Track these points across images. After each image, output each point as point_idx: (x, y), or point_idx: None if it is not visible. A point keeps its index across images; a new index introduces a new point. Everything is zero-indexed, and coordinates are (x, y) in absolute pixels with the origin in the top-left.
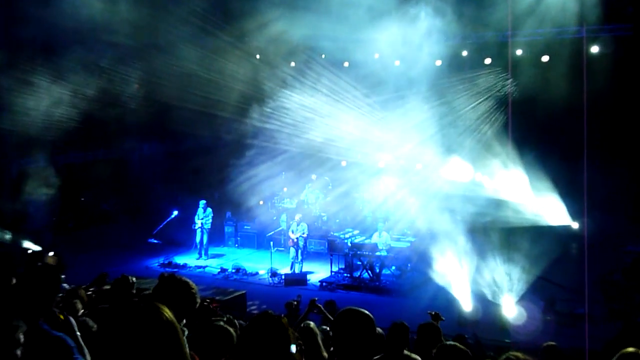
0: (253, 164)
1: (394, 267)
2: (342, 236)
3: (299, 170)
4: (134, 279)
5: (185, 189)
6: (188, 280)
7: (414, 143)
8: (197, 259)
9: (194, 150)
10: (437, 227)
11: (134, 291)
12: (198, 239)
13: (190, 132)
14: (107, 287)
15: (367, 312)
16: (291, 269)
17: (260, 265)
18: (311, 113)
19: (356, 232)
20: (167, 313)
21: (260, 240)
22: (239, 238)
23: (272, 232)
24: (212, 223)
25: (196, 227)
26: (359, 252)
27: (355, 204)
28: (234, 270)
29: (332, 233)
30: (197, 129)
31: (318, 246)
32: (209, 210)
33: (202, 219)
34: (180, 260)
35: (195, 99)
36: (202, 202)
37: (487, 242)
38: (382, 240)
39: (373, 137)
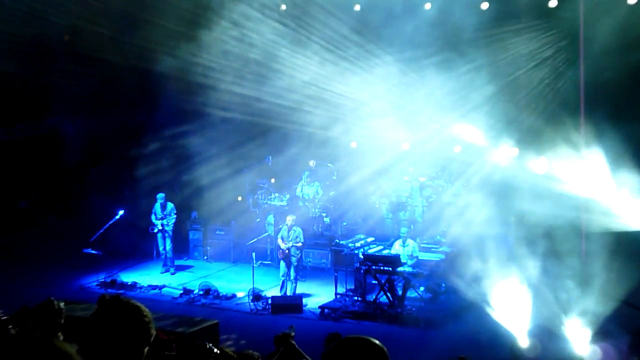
0: (227, 145)
1: (422, 288)
2: (351, 245)
3: (291, 155)
4: (62, 304)
5: (134, 180)
6: (139, 304)
7: (451, 118)
8: (162, 272)
9: (146, 127)
10: (482, 233)
11: (62, 321)
12: (161, 247)
13: (140, 101)
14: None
15: (377, 342)
16: (281, 290)
17: (238, 285)
18: (307, 75)
19: (371, 239)
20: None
21: (239, 251)
22: (208, 248)
23: (255, 240)
24: (174, 225)
25: (155, 230)
26: (374, 267)
27: (369, 202)
28: (201, 292)
29: (337, 241)
30: (148, 96)
31: (318, 259)
32: (171, 206)
33: (161, 218)
34: (128, 277)
35: (147, 55)
36: (161, 196)
37: (552, 253)
38: (406, 251)
39: (394, 110)
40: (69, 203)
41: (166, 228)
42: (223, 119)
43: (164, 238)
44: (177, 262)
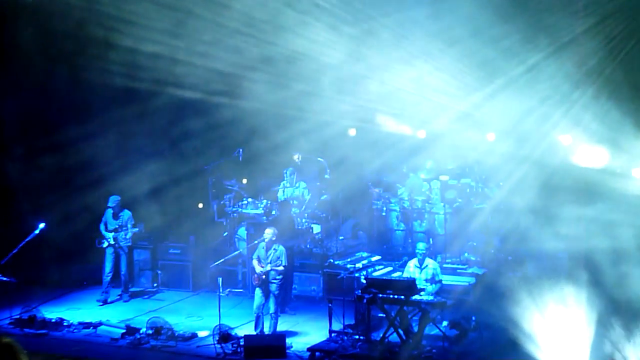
0: (181, 134)
1: (445, 323)
2: (350, 267)
3: (269, 146)
4: None
5: (60, 182)
6: (11, 343)
7: (481, 96)
8: (99, 300)
9: (69, 110)
10: (526, 249)
11: None
12: (107, 268)
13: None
14: None
15: None
16: (256, 327)
17: (200, 321)
18: (291, 40)
19: (376, 258)
20: None
21: (200, 276)
22: (159, 272)
23: (222, 261)
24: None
25: (105, 245)
26: (381, 296)
27: (374, 208)
28: (150, 331)
29: (331, 261)
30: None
31: (306, 285)
32: (128, 214)
33: (115, 229)
34: (52, 312)
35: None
36: (114, 200)
37: (621, 276)
38: (424, 274)
39: (407, 84)
40: None
41: (121, 243)
42: (175, 98)
43: (116, 256)
44: (116, 292)
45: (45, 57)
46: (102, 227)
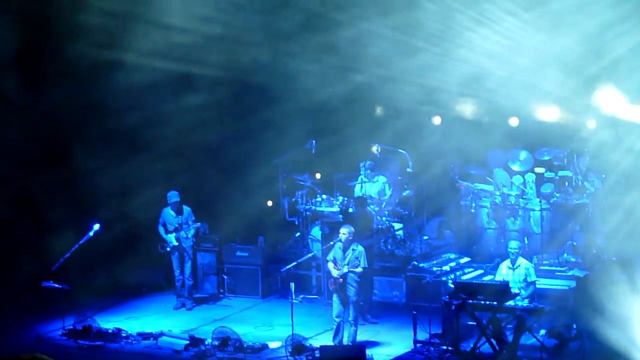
0: (248, 123)
1: (543, 332)
2: (436, 270)
3: (346, 137)
4: None
5: (116, 178)
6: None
7: (583, 79)
8: (176, 308)
9: (113, 96)
10: (634, 248)
11: None
12: (176, 270)
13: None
14: None
15: None
16: (334, 337)
17: (271, 330)
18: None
19: (465, 260)
20: None
21: (270, 281)
22: (225, 277)
23: (294, 264)
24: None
25: (169, 249)
26: (471, 302)
27: (461, 205)
28: (217, 343)
29: (415, 264)
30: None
31: (387, 290)
32: (188, 210)
33: (175, 229)
34: (108, 322)
35: None
36: (173, 196)
37: None
38: (517, 277)
39: (498, 67)
40: (16, 211)
41: (184, 244)
42: (241, 82)
43: (181, 258)
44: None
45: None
46: (161, 229)
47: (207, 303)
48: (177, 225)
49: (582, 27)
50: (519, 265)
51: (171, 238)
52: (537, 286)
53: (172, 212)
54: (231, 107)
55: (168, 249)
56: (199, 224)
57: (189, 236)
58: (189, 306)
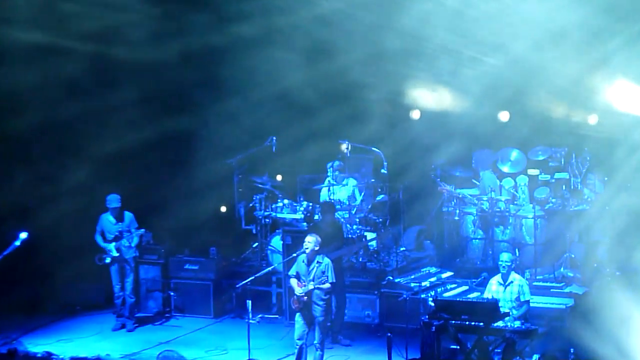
0: (195, 118)
1: (536, 357)
2: (414, 285)
3: (310, 133)
4: None
5: (46, 181)
6: None
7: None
8: (115, 329)
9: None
10: None
11: None
12: (117, 285)
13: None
14: None
15: None
16: None
17: (225, 355)
18: None
19: (447, 274)
20: None
21: (223, 299)
22: (171, 293)
23: (251, 279)
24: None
25: (108, 261)
26: (454, 322)
27: (444, 211)
28: None
29: (390, 279)
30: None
31: (358, 309)
32: (130, 216)
33: (115, 238)
34: (37, 345)
35: None
36: (113, 200)
37: None
38: (508, 294)
39: (488, 51)
40: None
41: (125, 255)
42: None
43: (121, 272)
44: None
45: None
46: (98, 238)
47: (151, 323)
48: (117, 234)
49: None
50: (512, 282)
51: (111, 247)
52: (531, 305)
53: (112, 219)
54: (173, 100)
55: (107, 260)
56: (142, 230)
57: (132, 245)
58: (130, 327)
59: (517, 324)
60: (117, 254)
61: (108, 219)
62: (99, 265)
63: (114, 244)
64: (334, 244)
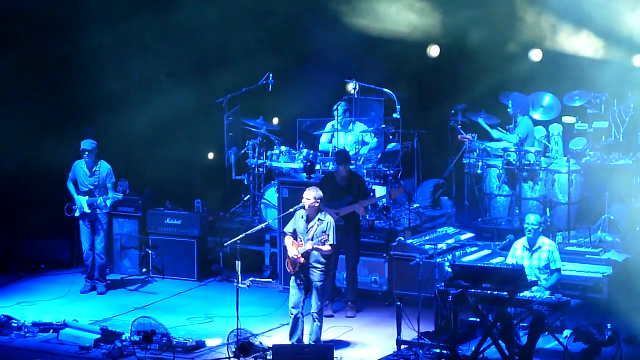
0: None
1: (568, 332)
2: (428, 248)
3: (309, 71)
4: None
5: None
6: None
7: None
8: (84, 291)
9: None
10: None
11: None
12: (86, 244)
13: None
14: None
15: None
16: (293, 334)
17: (209, 324)
18: None
19: (467, 236)
20: None
21: (209, 259)
22: (150, 251)
23: (242, 237)
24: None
25: (78, 214)
26: (474, 292)
27: (464, 163)
28: (137, 338)
29: (401, 240)
30: None
31: (364, 274)
32: (107, 167)
33: (89, 190)
34: None
35: None
36: (88, 146)
37: None
38: (536, 260)
39: None
40: None
41: (98, 210)
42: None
43: (92, 228)
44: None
45: None
46: (71, 186)
47: (126, 287)
48: (91, 187)
49: None
50: (540, 247)
51: (83, 202)
52: (562, 273)
53: (86, 169)
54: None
55: (76, 213)
56: (120, 195)
57: (107, 204)
58: (101, 290)
59: (547, 294)
60: (88, 211)
61: (82, 167)
62: (68, 216)
63: (87, 198)
64: (346, 199)
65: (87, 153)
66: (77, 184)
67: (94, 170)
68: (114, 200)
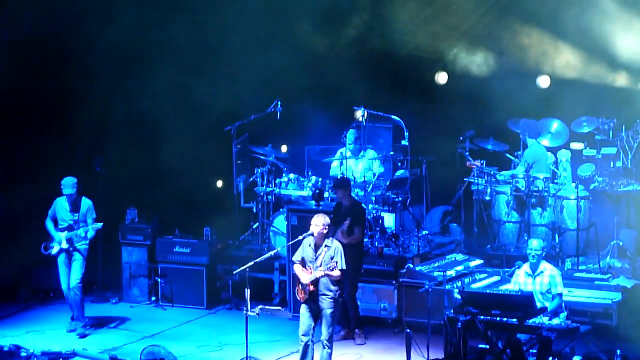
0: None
1: (578, 358)
2: (437, 275)
3: (317, 99)
4: None
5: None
6: None
7: None
8: (71, 330)
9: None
10: None
11: None
12: (65, 281)
13: None
14: None
15: None
16: None
17: (218, 352)
18: None
19: (476, 263)
20: None
21: (219, 287)
22: (159, 280)
23: (251, 265)
24: (92, 238)
25: (54, 252)
26: (483, 318)
27: (473, 190)
28: None
29: (410, 267)
30: None
31: (373, 301)
32: (88, 203)
33: (69, 227)
34: (4, 338)
35: None
36: (69, 184)
37: None
38: (538, 284)
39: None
40: None
41: (77, 245)
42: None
43: (69, 265)
44: (100, 308)
45: None
46: (49, 224)
47: (135, 315)
48: (71, 223)
49: None
50: (542, 272)
51: (61, 238)
52: (572, 299)
53: (67, 205)
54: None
55: (52, 251)
56: (100, 224)
57: (88, 236)
58: (81, 332)
59: (557, 322)
60: (67, 246)
61: (63, 205)
62: (45, 254)
63: (65, 233)
64: (342, 226)
65: (67, 193)
66: (57, 221)
67: (76, 206)
68: (95, 230)
